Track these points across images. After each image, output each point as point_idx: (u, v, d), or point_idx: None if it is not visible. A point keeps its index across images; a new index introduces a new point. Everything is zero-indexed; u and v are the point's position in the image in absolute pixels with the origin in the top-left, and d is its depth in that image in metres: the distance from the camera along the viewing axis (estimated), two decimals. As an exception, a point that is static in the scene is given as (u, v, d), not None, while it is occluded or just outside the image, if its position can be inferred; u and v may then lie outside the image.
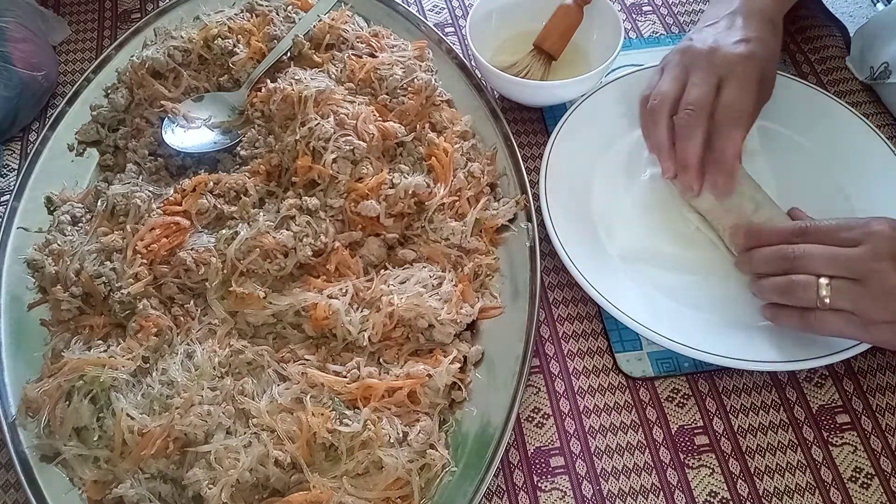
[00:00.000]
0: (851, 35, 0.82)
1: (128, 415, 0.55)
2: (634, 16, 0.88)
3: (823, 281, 0.54)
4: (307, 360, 0.58)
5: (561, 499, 0.57)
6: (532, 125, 0.77)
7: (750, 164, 0.69)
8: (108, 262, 0.62)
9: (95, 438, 0.56)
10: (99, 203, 0.66)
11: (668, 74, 0.63)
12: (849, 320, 0.54)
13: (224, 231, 0.62)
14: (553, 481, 0.57)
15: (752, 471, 0.57)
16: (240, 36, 0.75)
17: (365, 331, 0.59)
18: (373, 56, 0.74)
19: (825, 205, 0.67)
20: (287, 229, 0.62)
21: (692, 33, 0.66)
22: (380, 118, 0.68)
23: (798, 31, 0.85)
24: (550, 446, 0.59)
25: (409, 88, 0.70)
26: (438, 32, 0.80)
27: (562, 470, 0.58)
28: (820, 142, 0.71)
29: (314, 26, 0.76)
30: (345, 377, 0.57)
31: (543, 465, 0.58)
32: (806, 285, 0.55)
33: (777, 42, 0.65)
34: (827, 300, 0.54)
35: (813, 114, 0.72)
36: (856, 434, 0.58)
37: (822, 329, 0.55)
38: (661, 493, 0.56)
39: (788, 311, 0.57)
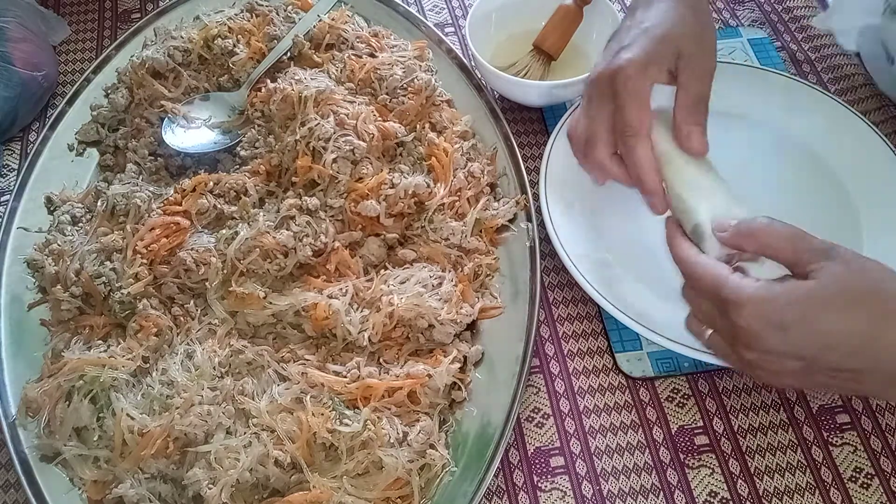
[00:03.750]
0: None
1: (128, 415, 0.55)
2: (634, 16, 0.88)
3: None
4: (307, 360, 0.58)
5: (561, 499, 0.57)
6: (532, 125, 0.77)
7: (749, 164, 0.69)
8: (108, 262, 0.62)
9: (95, 438, 0.56)
10: (99, 203, 0.66)
11: (578, 110, 0.60)
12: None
13: (224, 231, 0.62)
14: (553, 481, 0.57)
15: (752, 471, 0.57)
16: (240, 36, 0.75)
17: (365, 331, 0.59)
18: (373, 56, 0.74)
19: (825, 205, 0.67)
20: (287, 229, 0.62)
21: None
22: (380, 118, 0.68)
23: (798, 31, 0.85)
24: (550, 446, 0.59)
25: (409, 88, 0.70)
26: (438, 32, 0.80)
27: (562, 470, 0.58)
28: (820, 141, 0.71)
29: (314, 26, 0.76)
30: (345, 377, 0.57)
31: (543, 465, 0.58)
32: (725, 358, 0.50)
33: (687, 15, 0.56)
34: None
35: (813, 113, 0.72)
36: (856, 434, 0.58)
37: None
38: (661, 493, 0.56)
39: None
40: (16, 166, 0.76)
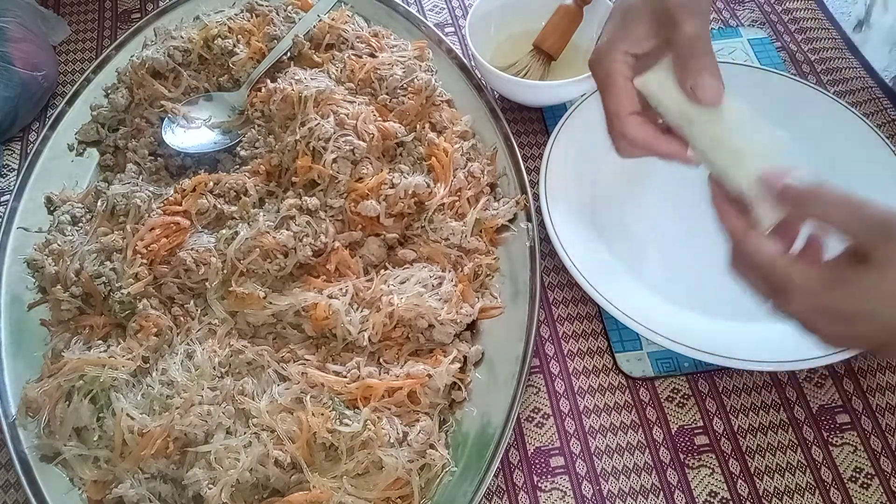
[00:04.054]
0: (849, 32, 0.82)
1: (128, 415, 0.55)
2: (634, 16, 0.88)
3: None
4: (307, 360, 0.58)
5: (561, 499, 0.57)
6: (532, 125, 0.77)
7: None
8: (108, 262, 0.62)
9: (95, 438, 0.56)
10: (99, 203, 0.66)
11: None
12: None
13: (224, 231, 0.62)
14: (553, 481, 0.57)
15: (752, 471, 0.57)
16: (240, 36, 0.75)
17: (365, 331, 0.59)
18: (373, 56, 0.74)
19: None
20: (287, 229, 0.62)
21: None
22: (380, 118, 0.68)
23: (798, 32, 0.85)
24: (550, 446, 0.59)
25: (409, 88, 0.70)
26: (438, 32, 0.80)
27: (562, 470, 0.58)
28: (819, 142, 0.71)
29: (314, 26, 0.76)
30: (345, 377, 0.57)
31: (543, 465, 0.58)
32: None
33: None
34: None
35: (813, 114, 0.72)
36: (856, 434, 0.58)
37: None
38: (661, 493, 0.56)
39: None
40: (16, 166, 0.76)
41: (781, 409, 0.60)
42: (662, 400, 0.61)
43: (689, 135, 0.50)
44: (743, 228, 0.46)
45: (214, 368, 0.57)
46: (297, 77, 0.69)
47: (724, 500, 0.56)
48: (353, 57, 0.73)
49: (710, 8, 0.52)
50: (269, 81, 0.70)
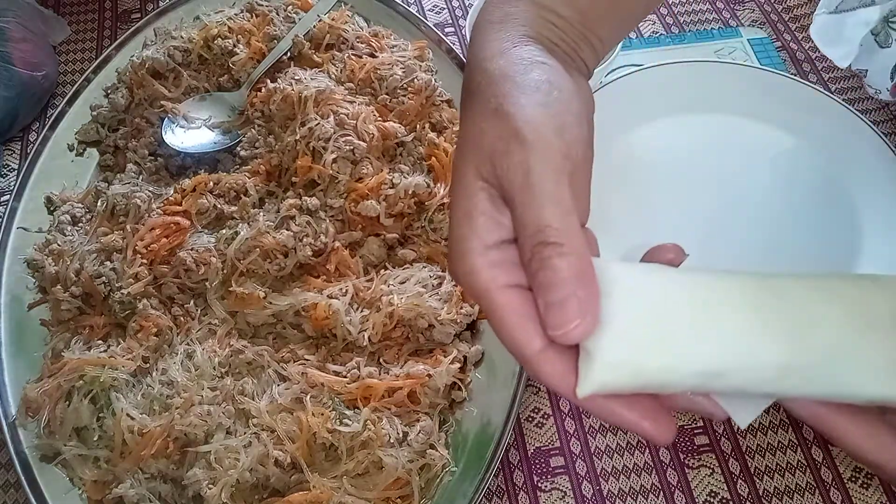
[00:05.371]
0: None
1: (128, 415, 0.55)
2: (634, 15, 0.87)
3: None
4: (307, 360, 0.58)
5: (561, 499, 0.57)
6: (532, 125, 0.77)
7: (749, 165, 0.69)
8: (108, 262, 0.62)
9: (95, 438, 0.56)
10: (99, 203, 0.66)
11: None
12: None
13: (224, 231, 0.62)
14: (553, 481, 0.57)
15: (752, 471, 0.57)
16: (240, 36, 0.75)
17: (365, 331, 0.59)
18: (373, 56, 0.74)
19: (825, 205, 0.67)
20: (287, 229, 0.62)
21: None
22: (380, 118, 0.68)
23: (798, 31, 0.85)
24: (550, 446, 0.59)
25: (409, 88, 0.70)
26: (438, 32, 0.79)
27: (562, 470, 0.58)
28: (819, 141, 0.71)
29: (314, 26, 0.76)
30: (345, 377, 0.57)
31: (543, 465, 0.58)
32: None
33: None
34: None
35: (813, 114, 0.72)
36: (856, 434, 0.58)
37: None
38: (661, 493, 0.56)
39: None
40: (16, 166, 0.76)
41: (781, 408, 0.60)
42: (662, 400, 0.60)
43: (725, 386, 0.33)
44: None
45: (214, 368, 0.57)
46: (297, 77, 0.69)
47: (724, 500, 0.56)
48: (353, 57, 0.73)
49: (579, 143, 0.33)
50: (269, 81, 0.70)
